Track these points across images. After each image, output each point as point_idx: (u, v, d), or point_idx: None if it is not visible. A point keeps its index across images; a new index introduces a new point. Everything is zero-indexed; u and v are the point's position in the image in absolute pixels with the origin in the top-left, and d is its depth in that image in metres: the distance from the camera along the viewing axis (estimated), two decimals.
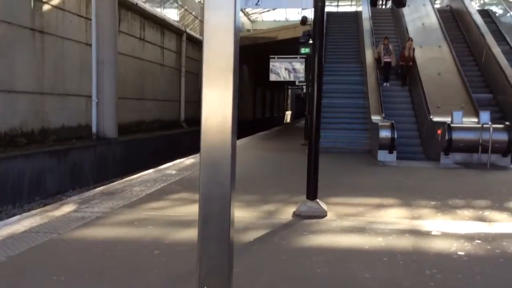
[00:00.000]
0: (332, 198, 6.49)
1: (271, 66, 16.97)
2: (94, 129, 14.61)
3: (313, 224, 5.14)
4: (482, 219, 5.48)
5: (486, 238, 4.66)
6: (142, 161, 15.63)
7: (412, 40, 14.85)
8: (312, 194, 5.59)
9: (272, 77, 17.17)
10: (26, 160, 10.85)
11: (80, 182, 12.77)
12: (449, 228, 5.04)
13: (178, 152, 18.76)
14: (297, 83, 18.00)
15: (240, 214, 5.54)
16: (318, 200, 5.60)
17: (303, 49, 14.71)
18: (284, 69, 17.03)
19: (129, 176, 10.62)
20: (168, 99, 21.54)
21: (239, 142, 15.47)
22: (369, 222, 5.24)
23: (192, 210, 5.66)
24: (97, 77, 14.44)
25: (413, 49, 14.74)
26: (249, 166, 9.67)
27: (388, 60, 15.11)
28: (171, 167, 9.32)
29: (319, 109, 5.67)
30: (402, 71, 14.98)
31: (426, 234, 4.79)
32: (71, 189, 12.33)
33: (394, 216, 5.58)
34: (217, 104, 2.08)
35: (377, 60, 15.29)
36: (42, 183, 11.35)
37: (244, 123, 32.09)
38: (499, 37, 16.75)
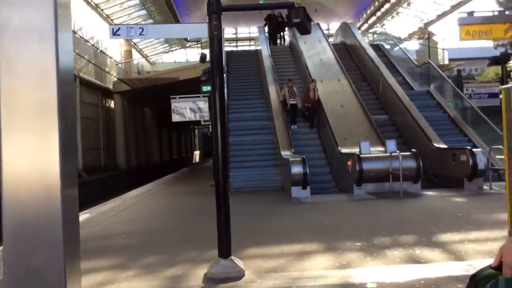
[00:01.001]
0: (248, 250, 5.57)
1: (172, 107, 15.97)
2: None
3: None
4: (415, 260, 4.86)
5: (428, 285, 3.99)
6: None
7: (315, 82, 14.49)
8: (225, 251, 4.63)
9: (176, 118, 16.16)
10: None
11: None
12: (384, 277, 4.31)
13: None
14: (202, 122, 17.13)
15: (138, 285, 4.41)
16: (232, 257, 4.65)
17: (205, 87, 13.95)
18: (188, 109, 16.13)
19: None
20: None
21: (142, 189, 14.15)
22: (294, 279, 4.37)
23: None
24: None
25: (317, 90, 14.41)
26: (151, 218, 8.51)
27: (294, 102, 14.49)
28: None
29: (224, 148, 4.79)
30: (309, 112, 14.56)
31: None
32: None
33: (321, 266, 4.77)
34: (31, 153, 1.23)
35: (283, 103, 14.72)
36: None
37: (151, 166, 30.48)
38: (392, 69, 17.37)
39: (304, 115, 14.78)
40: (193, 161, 49.90)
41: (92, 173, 21.85)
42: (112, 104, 26.04)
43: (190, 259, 5.30)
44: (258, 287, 4.17)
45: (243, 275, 4.49)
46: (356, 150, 10.98)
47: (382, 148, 11.84)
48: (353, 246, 5.51)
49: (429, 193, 10.12)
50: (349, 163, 10.69)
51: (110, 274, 4.83)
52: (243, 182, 12.12)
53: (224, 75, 16.34)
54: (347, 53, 19.32)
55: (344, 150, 11.67)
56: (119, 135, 25.53)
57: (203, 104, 15.63)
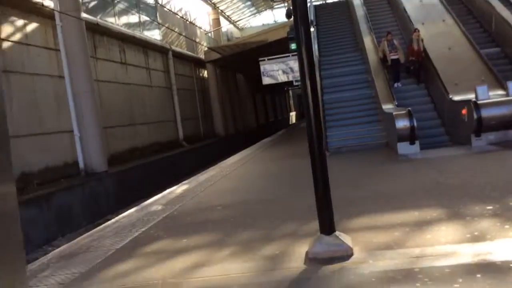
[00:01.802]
0: (354, 221, 4.82)
1: (262, 69, 15.34)
2: (81, 165, 13.10)
3: (336, 273, 3.48)
4: None
5: None
6: (138, 192, 14.06)
7: (418, 31, 12.56)
8: (327, 226, 3.94)
9: (266, 81, 15.54)
10: None
11: (70, 227, 11.23)
12: None
13: (178, 174, 17.23)
14: (294, 83, 16.33)
15: (233, 267, 3.90)
16: (337, 232, 3.94)
17: (293, 45, 13.03)
18: (279, 70, 15.41)
19: (124, 210, 9.09)
20: (162, 120, 20.02)
21: (240, 156, 13.86)
22: (416, 257, 3.56)
23: (167, 271, 4.04)
24: (76, 110, 12.94)
25: (422, 40, 12.51)
26: (247, 187, 8.04)
27: (396, 57, 12.70)
28: (157, 201, 7.70)
29: (317, 107, 4.02)
30: (414, 66, 12.71)
31: (508, 270, 3.11)
32: (61, 236, 10.80)
33: (447, 239, 3.89)
34: None
35: (382, 59, 13.02)
36: (25, 237, 9.83)
37: (248, 131, 30.51)
38: (504, 1, 14.98)
39: (408, 70, 12.98)
40: (290, 123, 49.43)
41: (192, 142, 22.28)
42: (205, 73, 26.15)
43: (289, 234, 4.69)
44: (372, 270, 3.43)
45: (352, 254, 3.78)
46: (470, 96, 9.56)
47: (502, 92, 10.23)
48: (484, 211, 4.51)
49: None
50: (464, 111, 9.34)
51: (204, 254, 4.39)
52: (342, 141, 11.27)
53: (312, 29, 15.32)
54: None
55: (457, 98, 10.25)
56: (214, 103, 25.67)
57: (294, 63, 14.76)
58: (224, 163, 12.51)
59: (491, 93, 9.53)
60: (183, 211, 6.63)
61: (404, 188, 6.14)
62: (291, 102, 57.20)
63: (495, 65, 11.70)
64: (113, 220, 6.62)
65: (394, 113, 9.52)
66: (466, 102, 9.28)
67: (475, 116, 8.77)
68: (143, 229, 5.76)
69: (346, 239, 3.96)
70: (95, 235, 5.82)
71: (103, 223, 7.71)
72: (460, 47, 12.62)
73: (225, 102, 26.66)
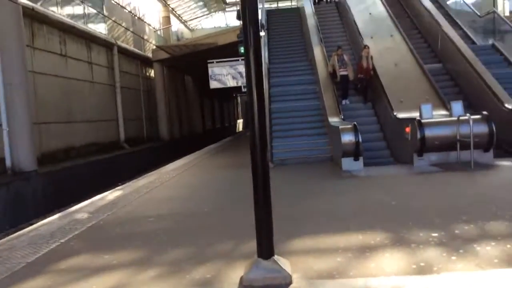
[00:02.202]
0: (294, 242, 4.47)
1: (210, 73, 14.90)
2: (8, 163, 12.07)
3: None
4: None
5: None
6: (70, 195, 13.15)
7: (368, 48, 12.45)
8: (266, 250, 3.55)
9: (214, 84, 15.12)
10: None
11: None
12: None
13: (118, 177, 16.38)
14: (243, 89, 15.99)
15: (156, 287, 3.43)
16: (275, 257, 3.56)
17: (242, 48, 12.68)
18: (227, 74, 15.01)
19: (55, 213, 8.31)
20: (103, 119, 19.05)
21: (183, 161, 13.31)
22: None
23: None
24: (6, 102, 11.92)
25: (371, 57, 12.40)
26: (186, 197, 7.54)
27: (345, 73, 12.53)
28: (84, 208, 7.04)
29: (262, 117, 3.64)
30: (362, 84, 12.56)
31: None
32: None
33: (393, 269, 3.61)
34: None
35: (332, 74, 12.80)
36: None
37: (194, 136, 29.87)
38: (451, 22, 15.41)
39: (356, 88, 12.84)
40: (236, 130, 49.17)
41: (135, 144, 21.38)
42: (152, 73, 25.31)
43: (224, 254, 4.27)
44: None
45: (290, 282, 3.42)
46: (414, 114, 9.58)
47: (444, 112, 10.36)
48: (429, 238, 4.30)
49: (504, 163, 8.65)
50: (408, 129, 9.32)
51: (125, 275, 3.87)
52: (287, 153, 11.00)
53: (263, 33, 15.00)
54: (399, 5, 17.39)
55: (401, 115, 10.27)
56: (160, 105, 24.86)
57: (243, 68, 14.41)
58: (165, 169, 11.91)
59: (434, 113, 9.60)
60: (111, 221, 6.04)
61: (347, 206, 5.88)
62: (239, 109, 57.00)
63: (438, 81, 11.91)
64: (30, 228, 5.92)
65: (340, 126, 9.35)
66: (411, 120, 9.27)
67: (418, 135, 8.75)
68: (62, 240, 5.13)
69: (286, 264, 3.59)
70: (5, 245, 5.12)
71: (27, 227, 7.00)
72: (406, 64, 12.77)
73: (171, 105, 25.90)
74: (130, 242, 4.92)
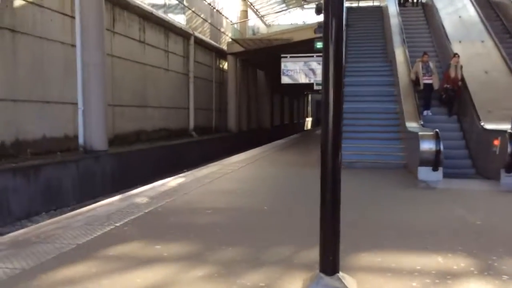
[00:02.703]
0: (362, 257, 3.94)
1: (282, 67, 14.46)
2: (81, 141, 12.36)
3: None
4: None
5: None
6: (138, 176, 13.32)
7: (458, 57, 11.24)
8: (330, 264, 3.06)
9: (285, 80, 14.69)
10: None
11: (57, 203, 10.49)
12: None
13: (183, 164, 16.47)
14: (315, 87, 15.43)
15: None
16: (340, 274, 3.07)
17: (319, 43, 12.11)
18: (300, 70, 14.52)
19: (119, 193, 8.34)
20: (175, 106, 19.26)
21: (247, 155, 13.02)
22: None
23: (121, 286, 3.21)
24: (83, 82, 12.19)
25: (461, 67, 11.21)
26: (247, 192, 7.16)
27: (429, 81, 11.40)
28: (145, 193, 6.88)
29: (338, 117, 3.14)
30: (448, 95, 11.27)
31: None
32: (45, 212, 10.06)
33: None
34: None
35: (414, 82, 11.66)
36: (5, 206, 9.07)
37: (261, 130, 29.68)
38: None
39: (440, 99, 11.56)
40: (305, 128, 48.53)
41: (203, 133, 21.50)
42: (225, 65, 25.34)
43: (281, 260, 3.83)
44: None
45: None
46: (504, 126, 8.59)
47: None
48: None
49: None
50: (496, 142, 8.37)
51: (174, 270, 3.55)
52: (357, 155, 10.34)
53: (344, 29, 14.44)
54: (490, 7, 15.99)
55: (489, 126, 9.28)
56: (231, 97, 24.83)
57: (316, 65, 13.87)
58: (228, 161, 11.67)
59: None
60: (169, 208, 5.80)
61: (425, 223, 5.22)
62: (309, 107, 56.27)
63: None
64: (88, 208, 5.81)
65: (419, 133, 8.58)
66: (500, 133, 8.31)
67: (509, 149, 7.80)
68: (117, 224, 4.93)
69: (352, 284, 3.08)
70: (61, 223, 5.01)
71: (92, 204, 6.99)
72: (497, 72, 11.62)
73: (241, 98, 25.82)
74: (184, 233, 4.61)
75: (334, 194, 3.08)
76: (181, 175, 8.98)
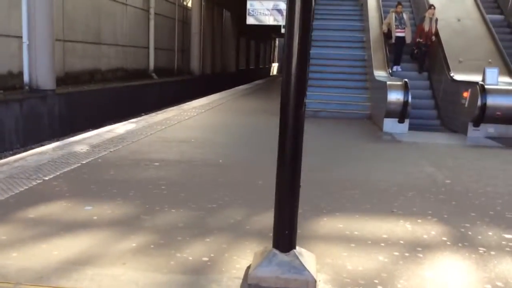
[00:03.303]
0: (323, 224, 3.46)
1: (248, 6, 13.50)
2: (26, 78, 11.26)
3: None
4: None
5: None
6: (89, 119, 12.43)
7: (434, 8, 10.43)
8: (286, 240, 2.54)
9: (250, 20, 13.76)
10: None
11: None
12: None
13: (141, 107, 15.60)
14: (282, 30, 14.57)
15: (130, 276, 2.48)
16: (297, 249, 2.56)
17: None
18: (267, 11, 13.60)
19: (68, 137, 7.59)
20: (133, 45, 18.00)
21: (208, 100, 12.31)
22: None
23: (34, 263, 2.59)
24: (28, 13, 10.92)
25: (436, 20, 10.42)
26: (202, 142, 6.53)
27: (402, 34, 10.60)
28: (87, 140, 6.15)
29: (304, 64, 2.51)
30: (420, 50, 10.57)
31: None
32: None
33: (456, 279, 2.58)
34: None
35: (386, 35, 10.89)
36: None
37: (226, 74, 28.70)
38: None
39: (412, 54, 10.89)
40: (270, 73, 47.64)
41: (164, 75, 20.42)
42: (189, 3, 23.83)
43: (232, 226, 3.30)
44: None
45: None
46: (475, 78, 8.20)
47: (509, 80, 8.91)
48: (502, 242, 3.21)
49: None
50: (466, 94, 8.00)
51: (102, 240, 2.96)
52: (321, 104, 9.83)
53: None
54: None
55: (459, 77, 8.88)
56: (194, 37, 23.55)
57: (285, 7, 12.98)
58: (187, 106, 10.94)
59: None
60: (110, 159, 5.14)
61: (391, 181, 4.78)
62: (275, 52, 55.04)
63: (502, 40, 10.31)
64: (17, 156, 5.07)
65: (388, 82, 8.08)
66: (471, 84, 7.91)
67: (479, 102, 7.44)
68: (46, 178, 4.26)
69: (310, 261, 2.58)
70: None
71: (37, 148, 6.25)
72: (471, 20, 11.11)
73: (206, 39, 24.56)
74: (122, 191, 4.00)
75: (294, 156, 2.51)
76: (132, 120, 8.24)
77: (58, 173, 4.43)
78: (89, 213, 3.42)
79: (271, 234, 2.60)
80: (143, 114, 13.15)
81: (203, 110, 9.98)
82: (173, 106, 11.49)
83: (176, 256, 2.78)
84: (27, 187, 3.96)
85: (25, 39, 11.06)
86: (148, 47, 19.21)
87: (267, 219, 3.35)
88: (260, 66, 43.50)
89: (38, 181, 4.14)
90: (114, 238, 3.00)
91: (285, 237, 2.54)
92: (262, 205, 3.69)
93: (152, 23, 19.14)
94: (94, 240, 2.95)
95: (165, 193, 4.00)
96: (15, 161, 4.83)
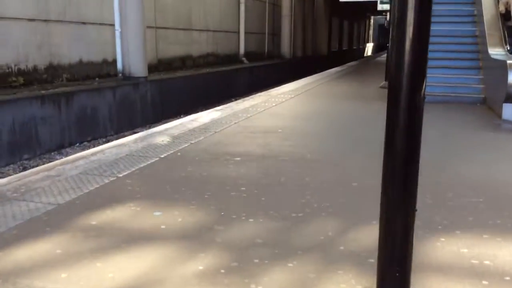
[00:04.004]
0: (437, 247, 2.67)
1: None
2: (119, 66, 11.42)
3: None
4: None
5: None
6: (180, 105, 12.41)
7: None
8: (394, 281, 1.85)
9: None
10: (6, 108, 7.83)
11: (92, 133, 9.78)
12: None
13: (231, 92, 15.38)
14: (378, 6, 13.38)
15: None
16: None
17: None
18: None
19: (161, 123, 7.46)
20: (223, 30, 17.79)
21: (300, 83, 11.63)
22: None
23: (98, 280, 2.17)
24: (119, 0, 11.01)
25: None
26: (289, 133, 5.90)
27: None
28: (169, 130, 5.81)
29: (423, 33, 1.75)
30: None
31: None
32: (79, 142, 9.38)
33: None
34: None
35: (503, 15, 9.33)
36: (33, 136, 8.39)
37: (318, 57, 27.70)
38: None
39: None
40: (365, 54, 45.53)
41: (254, 59, 20.07)
42: None
43: (322, 246, 2.64)
44: None
45: None
46: None
47: None
48: None
49: None
50: None
51: (165, 259, 2.48)
52: (428, 87, 8.67)
53: None
54: None
55: None
56: (285, 20, 22.87)
57: None
58: (276, 91, 10.36)
59: None
60: (190, 153, 4.71)
61: None
62: (370, 32, 52.53)
63: None
64: (95, 149, 4.82)
65: (508, 61, 6.81)
66: None
67: None
68: (120, 175, 3.92)
69: None
70: (54, 170, 4.05)
71: (129, 135, 6.11)
72: None
73: (296, 21, 23.74)
74: (197, 192, 3.52)
75: (408, 160, 1.79)
76: (218, 108, 7.83)
77: (133, 169, 4.08)
78: (157, 221, 2.97)
79: (372, 260, 1.93)
80: (233, 99, 12.86)
81: (292, 96, 9.34)
82: (263, 90, 11.03)
83: (250, 287, 2.20)
84: (98, 186, 3.63)
85: (117, 26, 11.17)
86: (238, 32, 18.92)
87: (365, 237, 2.66)
88: (354, 47, 41.68)
89: (111, 178, 3.81)
90: (179, 257, 2.50)
91: (394, 277, 1.84)
92: (358, 216, 2.99)
93: (242, 7, 18.79)
94: (156, 259, 2.47)
95: (244, 196, 3.45)
96: (93, 154, 4.58)
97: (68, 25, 10.37)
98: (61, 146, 8.92)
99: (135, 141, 5.18)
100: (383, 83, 11.29)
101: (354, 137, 5.71)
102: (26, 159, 7.93)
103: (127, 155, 4.56)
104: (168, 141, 5.17)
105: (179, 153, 4.69)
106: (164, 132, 5.67)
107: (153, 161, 4.37)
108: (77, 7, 10.52)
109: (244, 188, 3.64)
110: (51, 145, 8.73)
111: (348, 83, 12.70)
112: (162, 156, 4.55)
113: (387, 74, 11.39)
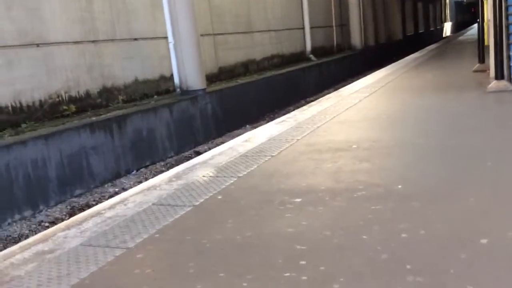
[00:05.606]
0: None
1: None
2: (176, 80, 10.54)
3: None
4: None
5: None
6: (244, 115, 11.34)
7: None
8: None
9: None
10: (48, 142, 7.11)
11: (151, 157, 8.93)
12: None
13: (299, 93, 14.08)
14: None
15: None
16: None
17: None
18: None
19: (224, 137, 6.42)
20: (287, 28, 16.50)
21: (375, 77, 10.04)
22: None
23: None
24: (170, 9, 10.12)
25: None
26: (367, 150, 4.43)
27: None
28: (217, 158, 4.60)
29: None
30: None
31: None
32: (136, 170, 8.55)
33: None
34: None
35: None
36: (84, 169, 7.60)
37: (392, 44, 25.47)
38: None
39: None
40: (443, 35, 41.87)
41: (322, 55, 18.56)
42: None
43: None
44: None
45: None
46: None
47: None
48: None
49: None
50: None
51: None
52: None
53: None
54: None
55: None
56: (353, 8, 21.11)
57: None
58: (347, 89, 8.88)
59: None
60: (234, 194, 3.49)
61: None
62: (447, 11, 48.38)
63: None
64: (118, 198, 3.74)
65: None
66: None
67: None
68: (133, 244, 2.78)
69: None
70: (50, 241, 3.01)
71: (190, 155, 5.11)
72: None
73: (366, 8, 21.82)
74: (233, 275, 2.28)
75: None
76: (278, 120, 6.53)
77: (152, 232, 2.93)
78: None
79: None
80: (302, 101, 11.58)
81: (366, 94, 7.82)
82: (334, 88, 9.62)
83: None
84: (95, 269, 2.51)
85: (170, 38, 10.29)
86: (303, 28, 17.55)
87: None
88: (431, 29, 38.37)
89: (118, 253, 2.68)
90: None
91: None
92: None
93: (305, 0, 17.37)
94: None
95: (303, 282, 2.15)
96: (111, 207, 3.51)
97: (119, 43, 9.67)
98: (116, 176, 8.10)
99: (169, 180, 4.05)
100: (477, 65, 9.37)
101: (459, 150, 4.16)
102: (76, 196, 7.17)
103: (153, 204, 3.44)
104: (211, 176, 3.99)
105: (220, 196, 3.48)
106: (209, 162, 4.50)
107: (183, 213, 3.20)
108: (127, 23, 9.81)
109: (303, 263, 2.33)
110: (105, 175, 7.94)
111: (432, 71, 10.83)
112: (197, 203, 3.37)
113: (480, 55, 9.46)
